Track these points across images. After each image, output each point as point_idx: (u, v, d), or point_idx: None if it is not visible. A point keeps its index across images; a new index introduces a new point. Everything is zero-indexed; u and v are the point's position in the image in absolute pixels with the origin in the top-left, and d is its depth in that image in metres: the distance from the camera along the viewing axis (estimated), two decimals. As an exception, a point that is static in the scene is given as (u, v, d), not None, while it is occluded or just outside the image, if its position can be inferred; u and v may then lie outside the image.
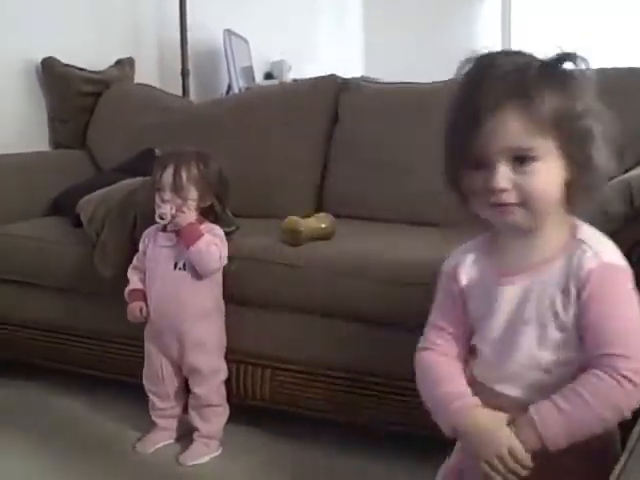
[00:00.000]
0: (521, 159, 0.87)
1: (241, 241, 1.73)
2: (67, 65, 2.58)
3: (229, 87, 3.34)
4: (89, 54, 2.69)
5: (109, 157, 2.43)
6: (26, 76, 2.55)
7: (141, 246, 1.69)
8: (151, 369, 1.68)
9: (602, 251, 0.89)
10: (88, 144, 2.58)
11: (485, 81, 0.88)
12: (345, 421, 1.68)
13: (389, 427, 1.61)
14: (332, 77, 2.29)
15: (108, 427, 1.79)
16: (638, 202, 1.15)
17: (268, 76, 3.92)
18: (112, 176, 2.17)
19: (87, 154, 2.55)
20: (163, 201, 1.60)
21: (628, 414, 0.86)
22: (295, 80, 3.37)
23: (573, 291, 0.88)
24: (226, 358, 1.69)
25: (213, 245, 1.60)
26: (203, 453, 1.65)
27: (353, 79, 2.37)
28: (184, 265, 1.62)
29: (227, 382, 1.70)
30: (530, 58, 0.89)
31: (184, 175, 1.60)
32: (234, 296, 1.69)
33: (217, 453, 1.66)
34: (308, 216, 1.80)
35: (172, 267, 1.63)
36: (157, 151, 2.19)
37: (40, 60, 2.55)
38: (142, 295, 1.66)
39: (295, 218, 1.73)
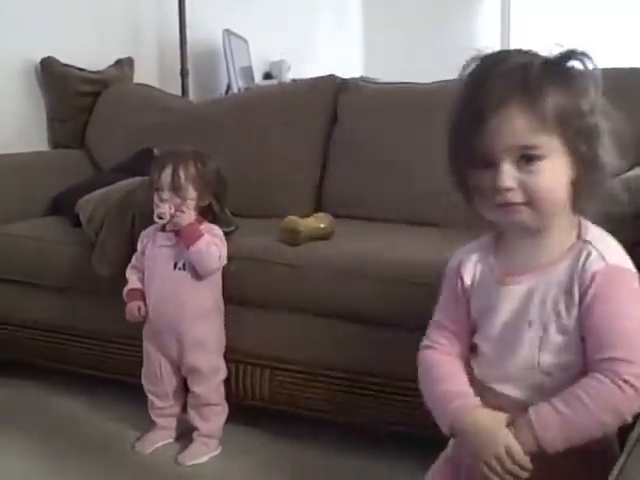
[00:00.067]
0: (526, 158, 0.86)
1: (240, 241, 1.73)
2: (66, 65, 2.58)
3: (228, 87, 3.34)
4: (88, 54, 2.69)
5: (108, 157, 2.43)
6: (25, 76, 2.55)
7: (139, 246, 1.69)
8: (150, 368, 1.69)
9: (608, 253, 0.88)
10: (87, 144, 2.58)
11: (489, 79, 0.87)
12: (344, 421, 1.68)
13: (389, 427, 1.61)
14: (331, 77, 2.29)
15: (108, 427, 1.79)
16: (637, 203, 1.15)
17: (267, 76, 3.92)
18: (111, 176, 2.17)
19: (86, 154, 2.55)
20: (162, 201, 1.60)
21: (629, 419, 0.85)
22: (294, 80, 3.37)
23: (576, 292, 0.88)
24: (225, 358, 1.69)
25: (213, 245, 1.60)
26: (202, 453, 1.65)
27: (352, 79, 2.37)
28: (184, 265, 1.62)
29: (226, 382, 1.70)
30: (534, 56, 0.89)
31: (182, 175, 1.60)
32: (233, 296, 1.68)
33: (216, 453, 1.66)
34: (307, 216, 1.80)
35: (171, 267, 1.63)
36: (156, 151, 2.19)
37: (39, 60, 2.55)
38: (140, 294, 1.66)
39: (294, 218, 1.73)
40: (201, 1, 3.26)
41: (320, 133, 2.20)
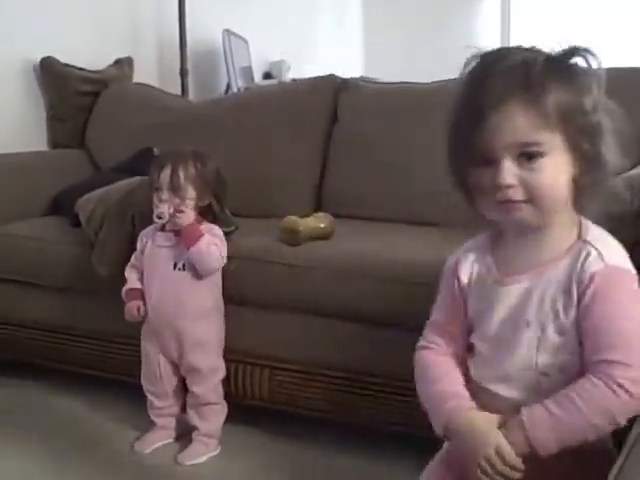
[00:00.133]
0: (528, 155, 0.85)
1: (240, 241, 1.72)
2: (66, 64, 2.58)
3: (228, 87, 3.34)
4: (88, 53, 2.69)
5: (108, 156, 2.43)
6: (25, 75, 2.55)
7: (139, 245, 1.69)
8: (149, 368, 1.68)
9: (607, 253, 0.87)
10: (87, 143, 2.58)
11: (489, 77, 0.86)
12: (344, 421, 1.68)
13: (389, 427, 1.61)
14: (331, 77, 2.29)
15: (108, 427, 1.79)
16: (638, 202, 1.15)
17: (267, 76, 3.92)
18: (111, 175, 2.17)
19: (86, 153, 2.55)
20: (161, 201, 1.60)
21: (622, 422, 0.84)
22: (294, 80, 3.37)
23: (575, 292, 0.87)
24: (225, 358, 1.69)
25: (213, 245, 1.61)
26: (201, 453, 1.65)
27: (352, 79, 2.37)
28: (183, 265, 1.62)
29: (226, 382, 1.70)
30: (536, 53, 0.88)
31: (182, 174, 1.60)
32: (233, 296, 1.68)
33: (215, 453, 1.66)
34: (307, 216, 1.80)
35: (171, 267, 1.62)
36: (156, 150, 2.20)
37: (39, 59, 2.55)
38: (140, 294, 1.65)
39: (294, 218, 1.73)
40: (201, 1, 3.26)
41: (320, 133, 2.20)
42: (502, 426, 0.88)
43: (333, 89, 2.25)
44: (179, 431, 1.72)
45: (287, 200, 2.08)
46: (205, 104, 2.64)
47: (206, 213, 1.67)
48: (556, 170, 0.86)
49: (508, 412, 0.89)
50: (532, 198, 0.86)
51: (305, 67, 3.78)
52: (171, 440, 1.71)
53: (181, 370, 1.67)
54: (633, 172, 1.26)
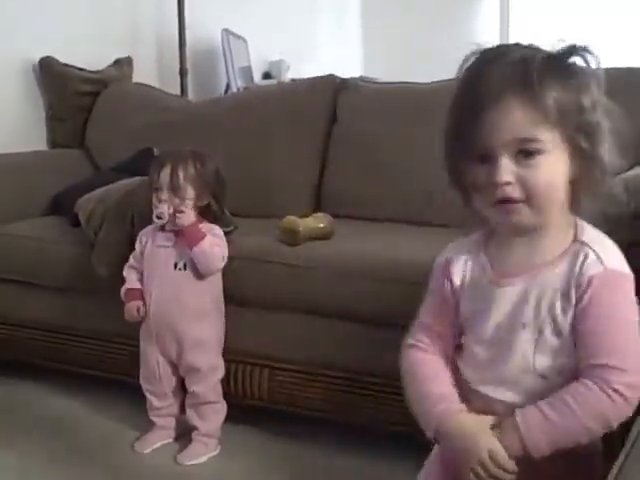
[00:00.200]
0: (525, 152, 0.84)
1: (240, 241, 1.73)
2: (65, 64, 2.58)
3: (227, 87, 3.34)
4: (87, 53, 2.69)
5: (107, 156, 2.43)
6: (24, 75, 2.55)
7: (138, 246, 1.69)
8: (147, 368, 1.68)
9: (605, 256, 0.87)
10: (86, 143, 2.58)
11: (487, 72, 0.85)
12: (344, 421, 1.68)
13: (388, 427, 1.61)
14: (330, 77, 2.29)
15: (108, 427, 1.79)
16: (634, 203, 1.15)
17: (266, 76, 3.92)
18: (110, 175, 2.17)
19: (85, 153, 2.55)
20: (160, 201, 1.60)
21: (615, 426, 0.84)
22: (293, 80, 3.37)
23: (573, 296, 0.86)
24: (225, 358, 1.69)
25: (217, 246, 1.61)
26: (201, 453, 1.65)
27: (351, 79, 2.37)
28: (184, 265, 1.62)
29: (226, 382, 1.70)
30: (535, 50, 0.87)
31: (181, 175, 1.60)
32: (233, 296, 1.68)
33: (215, 452, 1.66)
34: (306, 216, 1.80)
35: (172, 267, 1.62)
36: (156, 150, 2.20)
37: (38, 59, 2.55)
38: (139, 294, 1.65)
39: (293, 218, 1.73)
40: (200, 1, 3.26)
41: (319, 133, 2.20)
42: (495, 427, 0.88)
43: (332, 89, 2.25)
44: (179, 431, 1.72)
45: (286, 200, 2.08)
46: (204, 104, 2.64)
47: (205, 213, 1.67)
48: (554, 168, 0.85)
49: (503, 414, 0.89)
50: (529, 197, 0.85)
51: (304, 67, 3.78)
52: (171, 440, 1.71)
53: (180, 370, 1.67)
54: (629, 173, 1.25)
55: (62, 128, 2.60)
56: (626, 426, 0.84)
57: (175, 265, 1.62)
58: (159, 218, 1.60)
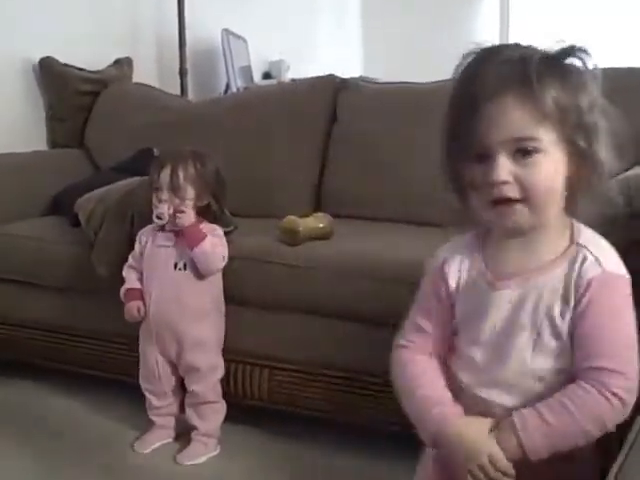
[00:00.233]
0: (523, 151, 0.84)
1: (240, 241, 1.73)
2: (65, 64, 2.58)
3: (227, 87, 3.34)
4: (87, 53, 2.69)
5: (107, 156, 2.43)
6: (24, 75, 2.55)
7: (137, 245, 1.69)
8: (147, 368, 1.68)
9: (603, 258, 0.87)
10: (86, 143, 2.58)
11: (483, 71, 0.85)
12: (344, 421, 1.68)
13: (389, 427, 1.61)
14: (330, 77, 2.29)
15: (108, 427, 1.79)
16: (636, 202, 1.15)
17: (266, 76, 3.92)
18: (110, 175, 2.17)
19: (85, 153, 2.55)
20: (160, 201, 1.60)
21: (612, 428, 0.85)
22: (293, 80, 3.37)
23: (572, 298, 0.86)
24: (225, 358, 1.69)
25: (219, 246, 1.61)
26: (201, 453, 1.65)
27: (352, 79, 2.37)
28: (184, 265, 1.62)
29: (225, 382, 1.70)
30: (533, 50, 0.86)
31: (181, 175, 1.60)
32: (233, 296, 1.68)
33: (215, 452, 1.66)
34: (306, 216, 1.80)
35: (172, 267, 1.62)
36: (156, 150, 2.20)
37: (38, 59, 2.55)
38: (139, 294, 1.65)
39: (293, 218, 1.73)
40: (200, 1, 3.26)
41: (319, 133, 2.20)
42: (493, 430, 0.87)
43: (332, 89, 2.25)
44: (178, 430, 1.72)
45: (286, 200, 2.08)
46: (204, 104, 2.64)
47: (205, 213, 1.67)
48: (552, 168, 0.85)
49: (501, 417, 0.88)
50: (527, 196, 0.85)
51: (304, 67, 3.78)
52: (170, 440, 1.71)
53: (179, 370, 1.67)
54: (630, 173, 1.25)
55: (62, 128, 2.60)
56: (625, 427, 0.84)
57: (175, 265, 1.62)
58: (159, 218, 1.61)
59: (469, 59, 0.89)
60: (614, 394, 0.83)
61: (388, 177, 2.03)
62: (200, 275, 1.62)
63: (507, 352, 0.90)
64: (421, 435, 0.94)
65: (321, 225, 1.77)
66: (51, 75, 2.57)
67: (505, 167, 0.84)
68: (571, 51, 0.86)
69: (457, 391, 0.94)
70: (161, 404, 1.70)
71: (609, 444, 0.84)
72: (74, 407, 1.90)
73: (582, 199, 0.88)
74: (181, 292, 1.62)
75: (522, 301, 0.89)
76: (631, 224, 1.15)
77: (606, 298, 0.86)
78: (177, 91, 3.08)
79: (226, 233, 1.69)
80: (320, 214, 1.85)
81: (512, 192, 0.85)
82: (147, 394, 1.70)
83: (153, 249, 1.66)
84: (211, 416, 1.67)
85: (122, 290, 1.66)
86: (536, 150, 0.84)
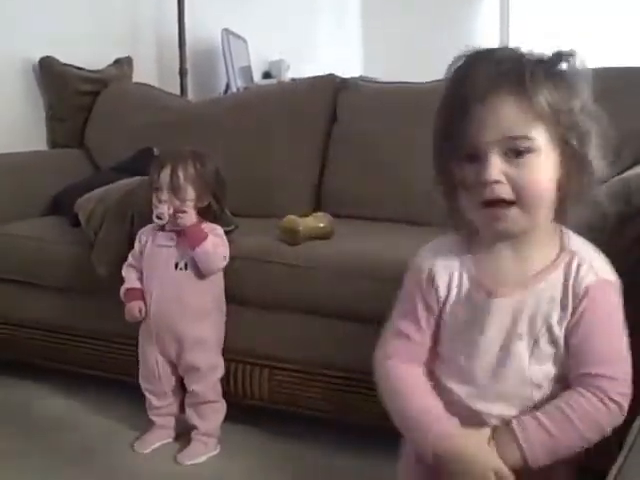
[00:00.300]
0: (516, 151, 0.83)
1: (240, 241, 1.73)
2: (65, 64, 2.58)
3: (227, 86, 3.34)
4: (87, 53, 2.69)
5: (107, 156, 2.43)
6: (24, 75, 2.55)
7: (137, 245, 1.69)
8: (147, 367, 1.68)
9: (597, 265, 0.87)
10: (86, 143, 2.58)
11: (476, 70, 0.84)
12: (344, 421, 1.68)
13: (388, 427, 1.61)
14: (330, 76, 2.29)
15: (107, 427, 1.79)
16: (636, 201, 1.15)
17: (266, 75, 3.92)
18: (110, 175, 2.17)
19: (85, 153, 2.55)
20: (160, 201, 1.60)
21: (609, 433, 0.85)
22: (293, 79, 3.37)
23: (570, 306, 0.86)
24: (225, 357, 1.69)
25: (221, 246, 1.61)
26: (201, 452, 1.65)
27: (352, 79, 2.37)
28: (185, 265, 1.62)
29: (225, 381, 1.70)
30: (525, 53, 0.86)
31: (181, 175, 1.60)
32: (233, 296, 1.68)
33: (215, 452, 1.66)
34: (306, 215, 1.80)
35: (173, 267, 1.62)
36: (156, 150, 2.20)
37: (38, 59, 2.55)
38: (140, 294, 1.65)
39: (293, 217, 1.73)
40: (200, 1, 3.26)
41: (319, 133, 2.20)
42: (490, 440, 0.87)
43: (332, 89, 2.25)
44: (178, 430, 1.72)
45: (286, 200, 2.08)
46: (204, 104, 2.64)
47: (206, 213, 1.67)
48: (544, 168, 0.84)
49: (495, 425, 0.88)
50: (519, 197, 0.83)
51: (304, 67, 3.78)
52: (170, 440, 1.71)
53: (179, 369, 1.67)
54: (630, 172, 1.25)
55: (62, 128, 2.61)
56: (624, 429, 0.84)
57: (176, 265, 1.62)
58: (159, 218, 1.60)
59: (460, 61, 0.88)
60: (613, 400, 0.84)
61: (388, 177, 2.03)
62: (201, 275, 1.62)
63: (505, 362, 0.89)
64: (419, 449, 0.92)
65: (321, 225, 1.77)
66: (51, 75, 2.57)
67: (497, 166, 0.83)
68: (563, 56, 0.86)
69: (448, 402, 0.92)
70: (161, 404, 1.70)
71: (608, 446, 0.84)
72: (74, 407, 1.90)
73: (572, 204, 0.87)
74: (182, 292, 1.62)
75: (520, 309, 0.88)
76: (633, 224, 1.15)
77: (601, 305, 0.86)
78: (177, 91, 3.08)
79: (226, 233, 1.69)
80: (320, 214, 1.85)
81: (504, 192, 0.83)
82: (147, 394, 1.70)
83: (153, 248, 1.66)
84: (211, 416, 1.67)
85: (122, 290, 1.66)
86: (528, 150, 0.83)
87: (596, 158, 0.85)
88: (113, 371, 1.89)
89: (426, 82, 2.13)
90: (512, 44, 0.90)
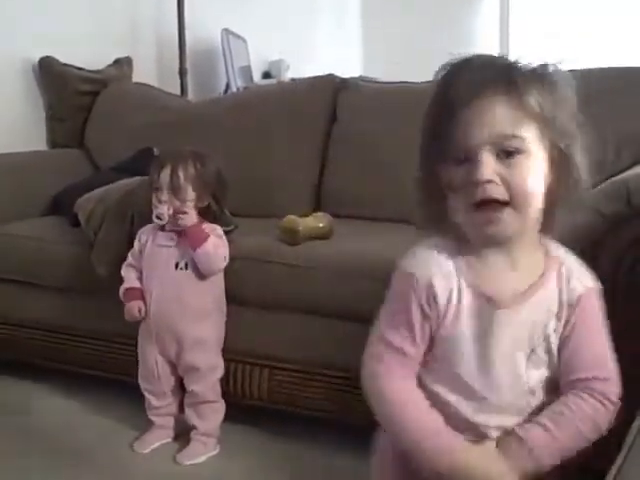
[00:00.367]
0: (507, 152, 0.82)
1: (240, 241, 1.73)
2: (65, 64, 2.58)
3: (227, 86, 3.34)
4: (87, 53, 2.69)
5: (107, 156, 2.43)
6: (24, 75, 2.55)
7: (137, 244, 1.68)
8: (146, 367, 1.68)
9: (582, 273, 0.89)
10: (86, 143, 2.59)
11: (466, 71, 0.84)
12: (344, 421, 1.67)
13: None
14: (330, 76, 2.29)
15: (107, 427, 1.79)
16: (635, 201, 1.15)
17: (266, 75, 3.92)
18: (110, 175, 2.17)
19: (85, 153, 2.56)
20: (160, 202, 1.59)
21: (605, 432, 0.88)
22: (293, 79, 3.37)
23: (564, 314, 0.88)
24: (224, 357, 1.69)
25: (221, 247, 1.61)
26: (200, 452, 1.65)
27: (351, 79, 2.37)
28: (185, 265, 1.62)
29: (225, 381, 1.70)
30: (512, 61, 0.86)
31: (181, 175, 1.59)
32: (233, 296, 1.68)
33: (215, 452, 1.66)
34: (306, 215, 1.80)
35: (173, 267, 1.62)
36: (156, 150, 2.20)
37: (38, 59, 2.55)
38: (140, 294, 1.65)
39: (293, 217, 1.73)
40: (200, 1, 3.26)
41: (319, 133, 2.20)
42: (494, 449, 0.88)
43: (332, 89, 2.25)
44: (177, 430, 1.72)
45: (286, 200, 2.08)
46: (204, 104, 2.64)
47: (206, 213, 1.67)
48: (535, 169, 0.83)
49: (495, 436, 0.89)
50: (513, 197, 0.82)
51: (304, 67, 3.78)
52: (170, 440, 1.71)
53: (178, 369, 1.67)
54: (630, 173, 1.25)
55: (62, 128, 2.61)
56: (623, 428, 0.85)
57: (176, 265, 1.62)
58: (159, 218, 1.60)
59: (445, 69, 0.88)
60: (610, 400, 0.87)
61: (388, 177, 2.03)
62: (201, 275, 1.61)
63: (506, 373, 0.89)
64: (423, 465, 0.89)
65: (321, 225, 1.77)
66: (51, 75, 2.57)
67: (490, 165, 0.82)
68: (549, 65, 0.86)
69: (445, 413, 0.90)
70: (160, 404, 1.70)
71: (607, 446, 0.84)
72: (74, 407, 1.90)
73: (559, 211, 0.88)
74: (182, 292, 1.62)
75: (521, 320, 0.88)
76: (631, 224, 1.15)
77: (590, 313, 0.89)
78: (177, 91, 3.08)
79: (226, 233, 1.69)
80: (320, 214, 1.85)
81: (498, 193, 0.82)
82: (146, 394, 1.70)
83: (153, 248, 1.66)
84: (210, 416, 1.67)
85: (121, 289, 1.66)
86: (518, 151, 0.82)
87: (582, 164, 0.86)
88: (113, 371, 1.89)
89: (426, 82, 2.12)
90: (512, 44, 0.91)
